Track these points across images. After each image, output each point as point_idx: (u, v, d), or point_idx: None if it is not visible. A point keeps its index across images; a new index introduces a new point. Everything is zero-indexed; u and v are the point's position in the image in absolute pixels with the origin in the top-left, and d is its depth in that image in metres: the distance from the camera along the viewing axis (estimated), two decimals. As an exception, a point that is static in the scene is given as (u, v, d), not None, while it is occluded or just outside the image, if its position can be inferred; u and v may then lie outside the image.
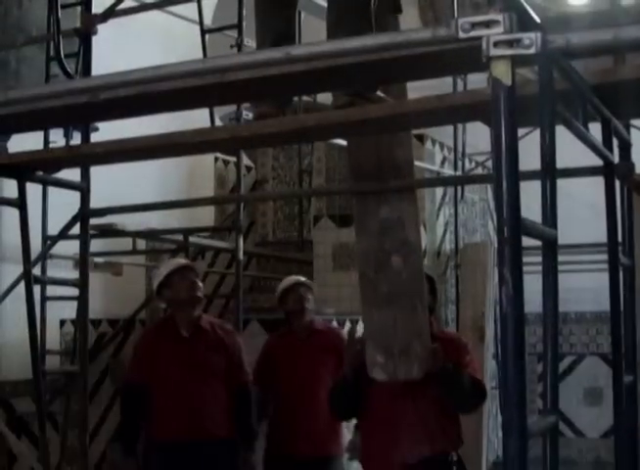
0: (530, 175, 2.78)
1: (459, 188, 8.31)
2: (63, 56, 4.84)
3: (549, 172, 2.63)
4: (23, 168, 4.47)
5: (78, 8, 5.56)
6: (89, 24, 4.76)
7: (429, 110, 3.20)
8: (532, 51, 2.12)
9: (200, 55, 6.23)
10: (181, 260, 5.63)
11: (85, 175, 4.87)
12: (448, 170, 8.26)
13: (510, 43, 2.13)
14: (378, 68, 2.63)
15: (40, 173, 4.70)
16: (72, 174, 4.93)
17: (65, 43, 5.01)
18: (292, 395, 5.58)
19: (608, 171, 3.43)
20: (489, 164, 8.69)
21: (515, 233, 2.15)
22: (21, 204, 4.59)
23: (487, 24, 2.15)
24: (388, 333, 4.05)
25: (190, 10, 6.51)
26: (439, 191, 8.18)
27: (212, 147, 4.44)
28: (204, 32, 6.17)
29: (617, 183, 3.51)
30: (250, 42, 5.81)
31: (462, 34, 2.16)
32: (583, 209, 7.89)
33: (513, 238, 2.12)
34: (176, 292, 5.26)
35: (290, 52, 2.26)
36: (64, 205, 5.27)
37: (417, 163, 7.67)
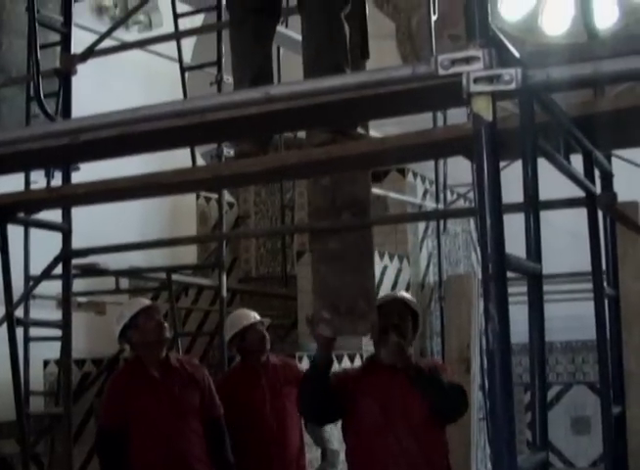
0: (513, 208, 2.78)
1: (441, 221, 8.32)
2: (43, 96, 4.82)
3: (532, 206, 2.63)
4: (4, 210, 4.44)
5: (58, 47, 5.55)
6: (69, 65, 4.76)
7: (410, 146, 3.20)
8: (513, 87, 2.12)
9: (180, 91, 6.24)
10: (144, 300, 5.54)
11: (67, 216, 4.85)
12: (430, 203, 8.27)
13: (490, 79, 2.13)
14: (357, 105, 2.62)
15: (21, 215, 4.68)
16: (54, 214, 4.91)
17: (45, 82, 5.00)
18: (260, 428, 5.55)
19: (590, 202, 3.43)
20: (471, 195, 8.72)
21: (500, 269, 2.15)
22: (2, 246, 4.57)
23: (467, 61, 2.14)
24: (334, 290, 3.99)
25: (170, 47, 6.53)
26: (422, 224, 8.19)
27: (194, 186, 4.43)
28: (183, 70, 6.18)
29: (600, 213, 3.53)
30: (229, 79, 5.83)
31: (442, 71, 2.16)
32: (563, 236, 7.90)
33: (498, 274, 2.11)
34: (143, 334, 5.16)
35: (269, 92, 2.25)
36: (45, 243, 5.25)
37: (398, 196, 7.73)
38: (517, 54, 2.32)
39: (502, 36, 2.25)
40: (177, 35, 5.92)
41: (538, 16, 10.57)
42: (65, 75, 4.86)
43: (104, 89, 7.46)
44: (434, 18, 7.66)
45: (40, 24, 4.89)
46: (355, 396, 4.41)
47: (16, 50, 7.14)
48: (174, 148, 3.58)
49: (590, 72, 2.19)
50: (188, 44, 8.06)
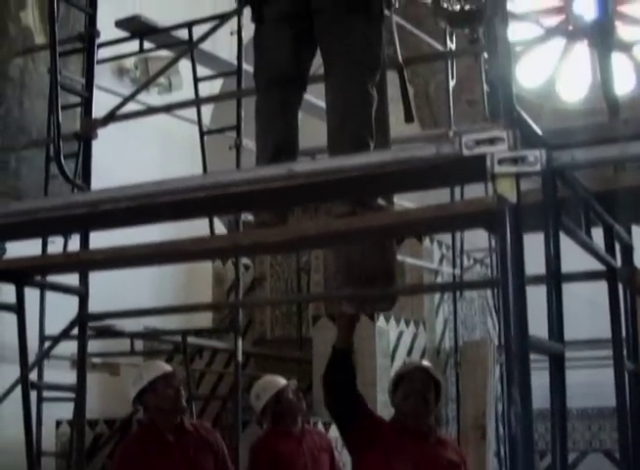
0: (534, 280, 2.77)
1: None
2: (62, 159, 4.83)
3: (554, 283, 2.61)
4: (21, 273, 4.44)
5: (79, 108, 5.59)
6: (89, 129, 4.78)
7: (431, 219, 3.18)
8: (537, 168, 2.12)
9: (199, 153, 6.26)
10: (163, 365, 5.50)
11: (84, 280, 4.85)
12: (447, 268, 8.24)
13: (514, 160, 2.12)
14: (379, 179, 2.62)
15: (38, 278, 4.68)
16: (71, 276, 4.91)
17: (65, 142, 5.02)
18: None
19: (611, 276, 3.41)
20: (488, 261, 8.71)
21: (523, 352, 2.12)
22: (18, 309, 4.56)
23: (491, 141, 2.14)
24: (356, 265, 3.93)
25: (189, 110, 6.56)
26: (438, 289, 8.17)
27: (213, 254, 4.42)
28: (202, 134, 6.20)
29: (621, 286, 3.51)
30: (248, 144, 5.85)
31: (466, 152, 2.16)
32: (581, 302, 7.85)
33: (521, 357, 2.09)
34: (161, 400, 5.13)
35: (292, 169, 2.25)
36: (61, 303, 5.24)
37: (415, 261, 7.72)
38: (540, 134, 2.32)
39: (526, 116, 2.25)
40: (197, 102, 5.95)
41: (556, 82, 10.64)
42: (85, 140, 4.88)
43: (122, 149, 7.49)
44: (452, 83, 7.72)
45: (62, 88, 4.91)
46: (377, 443, 4.38)
47: (37, 111, 7.21)
48: (194, 218, 3.58)
49: (616, 155, 2.19)
50: (208, 106, 8.11)
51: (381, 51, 3.87)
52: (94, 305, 5.04)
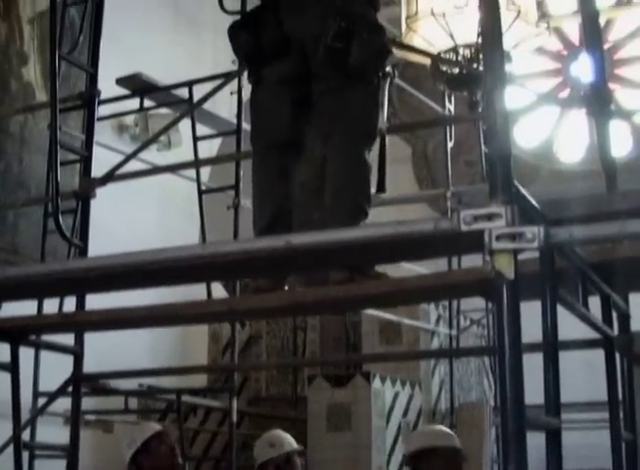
0: (530, 348, 2.76)
1: (454, 346, 8.25)
2: (60, 217, 4.83)
3: (551, 354, 2.61)
4: (16, 332, 4.42)
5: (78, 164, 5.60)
6: (88, 189, 4.78)
7: (428, 287, 3.18)
8: (535, 245, 2.12)
9: (198, 212, 6.27)
10: (156, 426, 5.47)
11: (79, 340, 4.83)
12: (443, 329, 8.22)
13: (512, 236, 2.12)
14: (378, 250, 2.62)
15: (33, 337, 4.65)
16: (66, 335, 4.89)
17: (63, 200, 5.02)
18: None
19: (607, 345, 3.41)
20: (484, 321, 8.69)
21: (519, 428, 2.11)
22: (13, 368, 4.52)
23: (489, 217, 2.14)
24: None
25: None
26: (435, 348, 8.13)
27: (210, 318, 4.41)
28: (201, 193, 6.21)
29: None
30: (246, 203, 5.86)
31: (464, 227, 2.16)
32: (578, 365, 7.82)
33: (517, 435, 2.08)
34: (156, 459, 5.11)
35: (290, 241, 2.25)
36: (56, 358, 5.21)
37: (412, 322, 7.69)
38: (538, 207, 2.32)
39: (525, 192, 2.25)
40: (197, 163, 5.98)
41: (553, 143, 10.69)
42: (84, 199, 4.89)
43: (121, 205, 7.50)
44: (450, 144, 7.77)
45: (61, 146, 4.92)
46: None
47: (36, 166, 7.22)
48: (191, 283, 3.57)
49: (614, 232, 2.19)
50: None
51: (378, 118, 3.90)
52: (89, 362, 5.02)
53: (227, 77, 4.96)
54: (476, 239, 2.22)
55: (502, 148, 2.20)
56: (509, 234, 2.10)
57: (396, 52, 4.14)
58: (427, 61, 6.23)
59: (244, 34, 3.90)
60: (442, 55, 6.27)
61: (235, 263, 2.71)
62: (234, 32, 3.99)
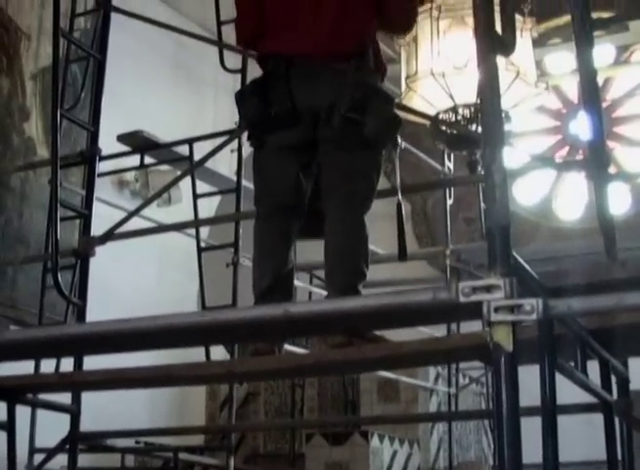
0: (528, 412, 2.75)
1: (452, 404, 8.22)
2: (59, 275, 4.82)
3: (549, 420, 2.61)
4: (13, 391, 4.39)
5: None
6: (87, 248, 4.79)
7: (427, 352, 3.17)
8: (534, 317, 2.12)
9: (195, 266, 6.26)
10: None
11: (76, 399, 4.80)
12: (442, 387, 8.19)
13: (511, 308, 2.12)
14: (376, 317, 2.62)
15: (30, 395, 4.63)
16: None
17: (63, 257, 5.02)
18: None
19: (606, 410, 3.40)
20: (484, 379, 8.65)
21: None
22: (9, 426, 4.50)
23: (488, 289, 2.15)
24: None
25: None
26: (433, 407, 8.10)
27: (208, 380, 4.40)
28: (200, 250, 6.21)
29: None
30: (245, 261, 5.87)
31: (463, 299, 2.16)
32: (577, 423, 7.77)
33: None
34: None
35: (289, 310, 2.25)
36: (53, 415, 5.19)
37: (410, 380, 7.66)
38: (537, 278, 2.33)
39: (523, 263, 2.26)
40: (197, 223, 5.99)
41: (552, 200, 10.72)
42: (83, 257, 4.89)
43: (120, 260, 7.50)
44: (449, 202, 7.80)
45: (61, 205, 4.93)
46: None
47: (36, 221, 7.24)
48: (189, 347, 3.57)
49: (612, 305, 2.19)
50: (206, 214, 8.14)
51: (377, 181, 3.93)
52: (86, 417, 4.99)
53: (228, 137, 4.97)
54: (474, 309, 2.22)
55: (501, 219, 2.21)
56: (507, 306, 2.11)
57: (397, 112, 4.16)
58: (426, 121, 6.27)
59: (254, 101, 3.92)
60: (442, 114, 6.31)
61: (233, 329, 2.71)
62: (243, 98, 4.02)
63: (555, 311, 2.18)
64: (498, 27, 2.73)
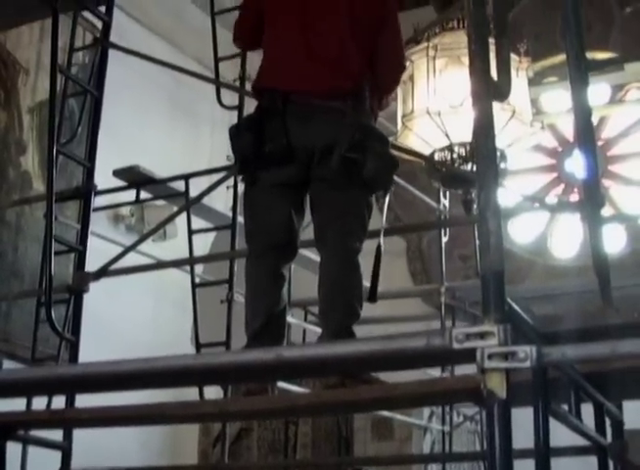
0: (521, 455, 2.74)
1: (447, 442, 8.18)
2: (52, 312, 4.81)
3: (543, 463, 2.60)
4: (4, 428, 4.37)
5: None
6: (82, 283, 4.78)
7: (420, 394, 3.16)
8: (527, 365, 2.11)
9: (189, 300, 6.25)
10: None
11: (68, 435, 4.78)
12: (436, 425, 8.15)
13: (505, 356, 2.12)
14: (369, 361, 2.61)
15: (21, 432, 4.60)
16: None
17: (56, 292, 5.01)
18: None
19: (601, 453, 3.39)
20: (478, 417, 8.61)
21: None
22: (0, 464, 4.47)
23: (482, 336, 2.14)
24: None
25: (181, 255, 6.56)
26: (427, 446, 8.07)
27: (201, 419, 4.38)
28: (195, 286, 6.20)
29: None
30: (240, 298, 5.85)
31: (456, 345, 2.16)
32: (572, 465, 7.73)
33: None
34: None
35: (281, 354, 2.24)
36: (44, 451, 5.16)
37: (404, 418, 7.64)
38: (531, 324, 2.32)
39: (518, 309, 2.25)
40: (191, 261, 5.98)
41: (547, 238, 10.73)
42: (77, 293, 4.88)
43: (113, 295, 7.48)
44: (444, 239, 7.80)
45: (56, 241, 4.93)
46: None
47: (31, 255, 7.24)
48: (182, 387, 3.55)
49: (607, 353, 2.19)
50: (201, 249, 8.13)
51: (369, 221, 3.94)
52: (77, 455, 4.96)
53: (224, 175, 4.98)
54: (468, 354, 2.22)
55: (495, 265, 2.20)
56: (501, 353, 2.10)
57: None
58: (421, 161, 6.29)
59: (248, 137, 3.92)
60: (438, 153, 6.34)
61: (226, 371, 2.70)
62: (237, 134, 4.01)
63: (549, 359, 2.17)
64: (494, 71, 2.74)
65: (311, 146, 3.83)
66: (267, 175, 3.93)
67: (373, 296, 3.95)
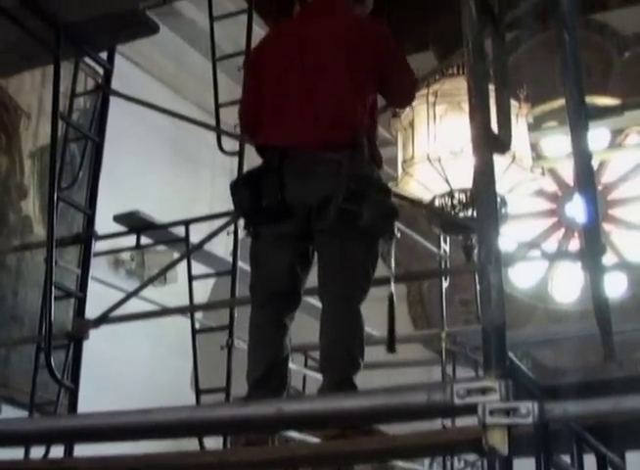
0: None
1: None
2: (52, 359, 4.80)
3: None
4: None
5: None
6: (81, 331, 4.77)
7: (421, 445, 3.14)
8: (529, 421, 2.10)
9: (189, 345, 6.23)
10: None
11: (66, 484, 4.73)
12: (437, 471, 8.11)
13: (506, 411, 2.10)
14: (370, 414, 2.59)
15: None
16: None
17: (56, 338, 5.00)
18: None
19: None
20: (479, 463, 8.55)
21: None
22: (-3, 513, 4.43)
23: (483, 391, 2.13)
24: None
25: (182, 303, 6.54)
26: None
27: (200, 469, 4.34)
28: (195, 332, 6.19)
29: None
30: (240, 343, 5.82)
31: (457, 401, 2.14)
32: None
33: None
34: None
35: (282, 408, 2.23)
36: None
37: (406, 464, 7.58)
38: (533, 378, 2.31)
39: (519, 363, 2.24)
40: (192, 308, 5.97)
41: (548, 282, 10.71)
42: (76, 340, 4.87)
43: (113, 340, 7.45)
44: (445, 284, 7.79)
45: (56, 288, 4.93)
46: None
47: (30, 299, 7.22)
48: (181, 438, 3.53)
49: (609, 409, 2.17)
50: (201, 298, 8.11)
51: (374, 271, 3.94)
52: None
53: (225, 221, 4.98)
54: (469, 409, 2.20)
55: (496, 320, 2.19)
56: (503, 409, 2.09)
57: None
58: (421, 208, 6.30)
59: (246, 193, 3.93)
60: (438, 199, 6.34)
61: (226, 424, 2.68)
62: (236, 189, 4.03)
63: (551, 415, 2.16)
64: (493, 120, 2.75)
65: (308, 201, 3.83)
66: (268, 230, 3.94)
67: (392, 346, 3.97)
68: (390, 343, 3.96)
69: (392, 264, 4.13)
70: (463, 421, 2.61)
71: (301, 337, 5.84)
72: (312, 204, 3.81)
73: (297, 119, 3.97)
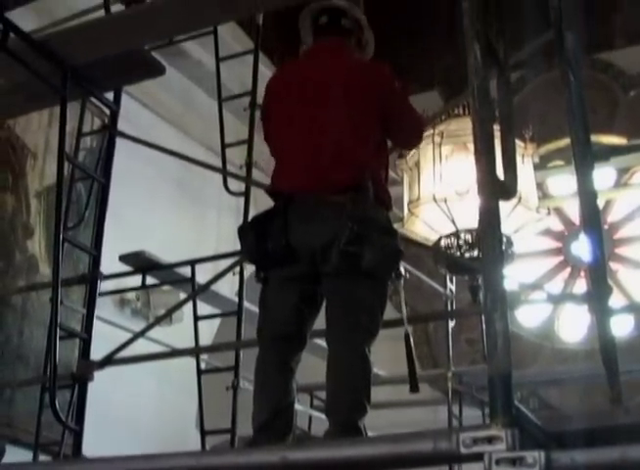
0: None
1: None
2: (57, 401, 4.78)
3: None
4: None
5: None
6: (86, 372, 4.75)
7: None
8: (536, 470, 2.08)
9: (196, 387, 6.21)
10: None
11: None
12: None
13: (513, 461, 2.09)
14: (375, 462, 2.57)
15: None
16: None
17: (61, 378, 4.98)
18: None
19: None
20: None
21: None
22: None
23: (489, 440, 2.11)
24: None
25: (188, 343, 6.53)
26: None
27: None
28: (200, 373, 6.19)
29: None
30: (246, 384, 5.81)
31: (463, 450, 2.13)
32: None
33: None
34: None
35: (286, 456, 2.21)
36: None
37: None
38: (540, 425, 2.29)
39: (526, 411, 2.22)
40: (197, 350, 5.97)
41: (554, 322, 10.68)
42: (81, 382, 4.85)
43: (117, 379, 7.42)
44: (451, 323, 7.78)
45: (61, 329, 4.90)
46: None
47: (36, 339, 7.20)
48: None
49: (616, 458, 2.15)
50: (207, 338, 8.09)
51: (382, 316, 3.93)
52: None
53: (230, 262, 4.98)
54: (475, 457, 2.18)
55: (503, 368, 2.18)
56: (509, 458, 2.07)
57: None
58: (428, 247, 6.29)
59: (251, 237, 3.94)
60: (444, 239, 6.34)
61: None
62: (244, 234, 4.05)
63: (558, 464, 2.14)
64: (499, 162, 2.74)
65: (312, 244, 3.83)
66: (276, 273, 3.95)
67: (415, 386, 3.95)
68: (413, 383, 3.93)
69: (404, 304, 4.10)
70: (469, 468, 2.59)
71: (307, 377, 5.83)
72: (316, 247, 3.81)
73: (300, 163, 3.99)
